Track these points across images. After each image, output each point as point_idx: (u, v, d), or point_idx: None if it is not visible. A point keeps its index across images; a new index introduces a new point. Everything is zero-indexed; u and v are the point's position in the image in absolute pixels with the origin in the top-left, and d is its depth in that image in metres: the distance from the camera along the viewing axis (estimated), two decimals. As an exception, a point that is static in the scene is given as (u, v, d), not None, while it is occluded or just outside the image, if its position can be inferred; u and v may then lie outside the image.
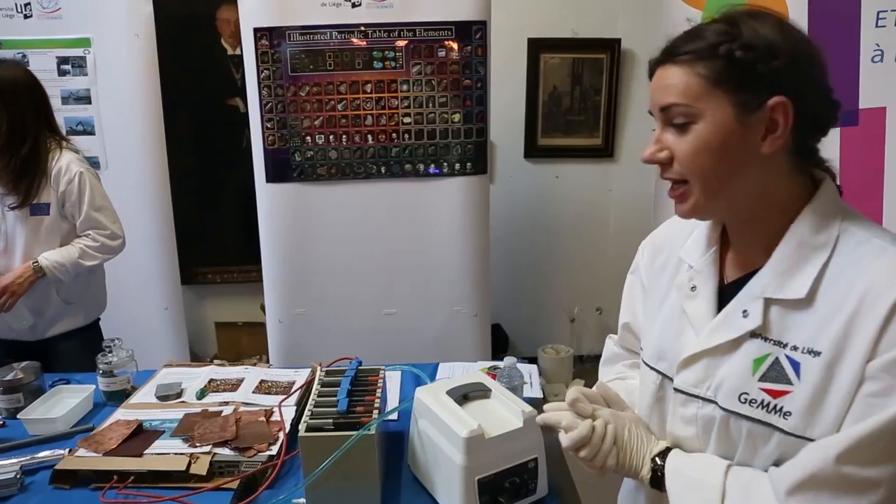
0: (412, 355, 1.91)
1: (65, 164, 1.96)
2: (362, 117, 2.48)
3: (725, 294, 0.87)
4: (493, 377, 1.35)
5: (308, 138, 2.48)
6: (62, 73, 2.68)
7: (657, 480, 0.89)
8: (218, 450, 1.32)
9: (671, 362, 0.91)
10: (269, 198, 2.52)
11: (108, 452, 1.33)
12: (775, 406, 0.77)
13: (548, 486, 1.20)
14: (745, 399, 0.80)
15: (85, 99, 2.70)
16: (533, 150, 3.41)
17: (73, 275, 2.00)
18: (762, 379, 0.78)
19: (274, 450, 1.33)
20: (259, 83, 2.44)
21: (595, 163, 3.42)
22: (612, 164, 3.42)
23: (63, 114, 2.68)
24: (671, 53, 0.80)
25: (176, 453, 1.32)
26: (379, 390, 1.31)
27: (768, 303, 0.80)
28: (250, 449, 1.33)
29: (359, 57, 2.44)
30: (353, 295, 2.59)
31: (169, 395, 1.59)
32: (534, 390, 1.64)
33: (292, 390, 1.59)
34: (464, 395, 1.24)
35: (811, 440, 0.75)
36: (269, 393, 1.60)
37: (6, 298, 1.85)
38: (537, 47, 3.27)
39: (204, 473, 1.26)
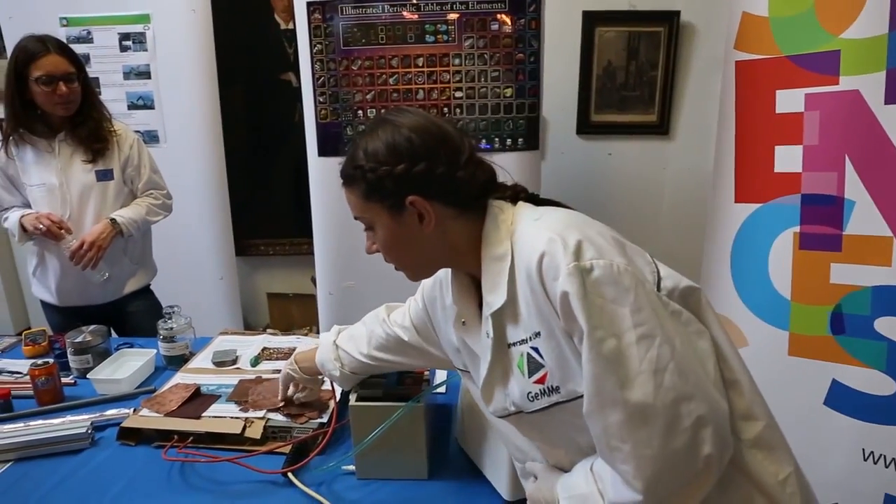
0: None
1: (121, 128, 2.06)
2: (413, 91, 2.47)
3: None
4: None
5: (360, 112, 2.49)
6: (123, 48, 2.75)
7: None
8: (271, 415, 1.36)
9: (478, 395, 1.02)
10: (321, 171, 2.55)
11: (169, 413, 1.39)
12: (547, 388, 0.88)
13: (596, 464, 1.19)
14: (532, 398, 0.90)
15: (145, 74, 2.77)
16: (586, 127, 3.33)
17: (142, 232, 2.11)
18: (530, 375, 0.89)
19: (325, 417, 1.36)
20: (311, 57, 2.45)
21: (649, 140, 3.32)
22: (667, 141, 3.32)
23: (125, 88, 2.77)
24: (341, 176, 0.98)
25: (232, 417, 1.37)
26: (428, 363, 1.32)
27: (496, 317, 0.92)
28: (302, 416, 1.36)
29: (411, 30, 2.42)
30: (403, 269, 2.61)
31: (225, 362, 1.65)
32: (582, 368, 1.62)
33: (343, 360, 1.62)
34: (513, 371, 1.24)
35: (581, 396, 0.83)
36: (320, 362, 1.63)
37: (94, 253, 1.93)
38: (592, 20, 3.17)
39: (258, 437, 1.31)
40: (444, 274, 1.09)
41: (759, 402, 0.89)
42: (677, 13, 3.13)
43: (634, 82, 3.27)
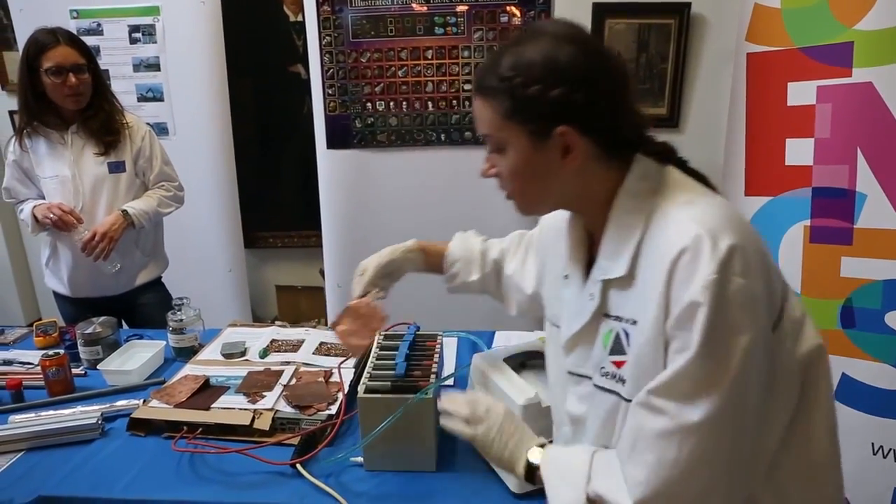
0: (469, 323, 1.92)
1: (133, 120, 2.06)
2: (423, 84, 2.46)
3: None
4: (551, 347, 1.35)
5: (368, 105, 2.49)
6: (133, 41, 2.75)
7: (531, 474, 0.93)
8: (280, 407, 1.37)
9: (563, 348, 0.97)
10: (330, 164, 2.55)
11: (179, 405, 1.40)
12: (618, 375, 0.84)
13: (603, 457, 1.19)
14: (603, 373, 0.86)
15: (154, 66, 2.77)
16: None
17: (154, 223, 2.12)
18: (611, 353, 0.85)
19: (333, 409, 1.37)
20: (321, 49, 2.46)
21: (659, 132, 3.25)
22: (677, 134, 3.29)
23: (134, 81, 2.78)
24: (476, 86, 0.87)
25: (240, 408, 1.37)
26: (436, 356, 1.32)
27: (606, 284, 0.86)
28: (310, 407, 1.37)
29: (420, 23, 2.41)
30: (411, 262, 2.61)
31: (233, 354, 1.65)
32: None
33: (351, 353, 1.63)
34: (521, 363, 1.24)
35: None
36: (328, 355, 1.64)
37: (105, 244, 1.94)
38: (602, 12, 3.14)
39: (267, 428, 1.31)
40: (563, 222, 1.01)
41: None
42: (688, 5, 3.10)
43: (644, 75, 3.24)
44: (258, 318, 3.43)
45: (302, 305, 3.53)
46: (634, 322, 0.81)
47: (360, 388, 1.21)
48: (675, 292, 0.74)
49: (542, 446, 0.94)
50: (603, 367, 0.86)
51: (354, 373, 1.50)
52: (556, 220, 1.06)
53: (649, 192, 0.84)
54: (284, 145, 3.39)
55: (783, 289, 0.81)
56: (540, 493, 1.12)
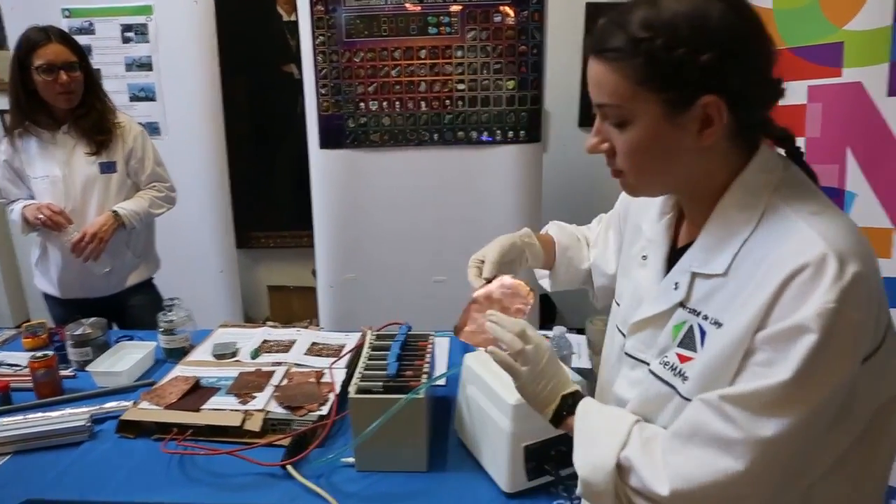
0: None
1: (125, 121, 2.05)
2: (416, 84, 2.46)
3: (675, 261, 0.86)
4: (542, 347, 1.34)
5: (362, 105, 2.48)
6: (125, 40, 2.74)
7: (559, 418, 0.88)
8: (271, 408, 1.36)
9: (626, 329, 0.92)
10: (322, 164, 2.54)
11: (169, 406, 1.39)
12: (680, 370, 0.79)
13: (595, 457, 1.19)
14: (663, 362, 0.81)
15: (147, 66, 2.76)
16: (588, 119, 3.29)
17: (144, 224, 2.10)
18: (679, 345, 0.80)
19: (324, 410, 1.36)
20: (314, 49, 2.45)
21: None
22: (669, 134, 3.31)
23: (126, 80, 2.77)
24: (598, 48, 0.75)
25: (231, 409, 1.37)
26: (428, 356, 1.32)
27: (694, 276, 0.80)
28: (301, 408, 1.36)
29: (413, 22, 2.41)
30: (404, 262, 2.61)
31: (225, 354, 1.65)
32: (582, 361, 1.62)
33: (343, 353, 1.62)
34: (512, 364, 1.23)
35: None
36: (320, 355, 1.64)
37: (95, 244, 1.93)
38: (595, 12, 3.16)
39: (257, 430, 1.31)
40: (650, 200, 0.94)
41: None
42: (681, 5, 3.11)
43: (637, 75, 3.25)
44: (250, 319, 3.42)
45: (294, 306, 3.53)
46: (718, 324, 0.75)
47: (352, 389, 1.20)
48: (781, 307, 0.68)
49: (574, 394, 0.89)
50: (666, 357, 0.81)
51: (346, 373, 1.50)
52: (636, 203, 1.00)
53: (767, 187, 0.76)
54: (277, 145, 3.39)
55: (888, 322, 0.74)
56: (530, 493, 1.13)
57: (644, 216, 0.95)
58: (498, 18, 2.39)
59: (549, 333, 1.50)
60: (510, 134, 2.50)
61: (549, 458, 1.12)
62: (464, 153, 2.52)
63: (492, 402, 1.14)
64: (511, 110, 2.47)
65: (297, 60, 2.63)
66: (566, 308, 3.52)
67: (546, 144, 2.88)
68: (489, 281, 1.03)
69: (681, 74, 0.70)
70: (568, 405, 0.87)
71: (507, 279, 1.02)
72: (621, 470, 0.77)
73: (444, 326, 1.76)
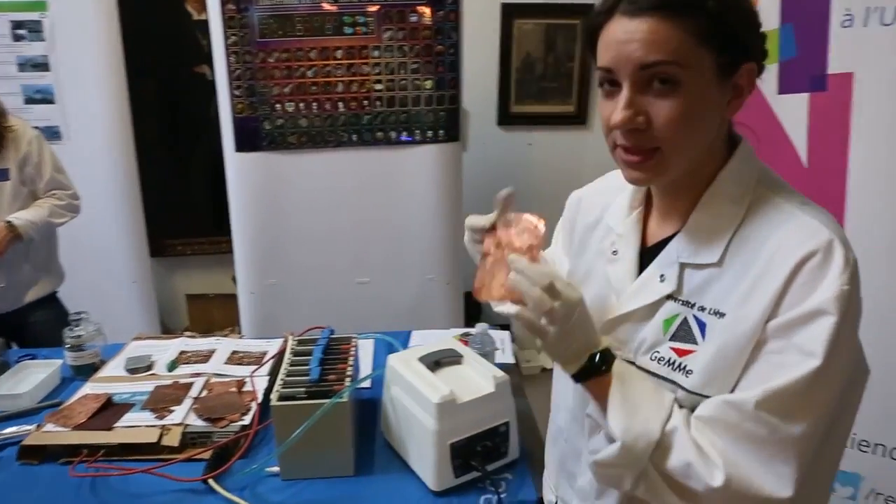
0: (385, 324, 1.91)
1: (18, 124, 1.93)
2: (333, 84, 2.43)
3: (646, 257, 0.86)
4: (466, 344, 1.36)
5: (278, 106, 2.43)
6: (17, 38, 2.57)
7: (586, 373, 0.80)
8: (190, 421, 1.31)
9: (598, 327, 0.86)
10: (239, 167, 2.47)
11: (77, 426, 1.31)
12: (679, 364, 0.77)
13: (518, 450, 1.22)
14: (656, 357, 0.80)
15: (43, 66, 2.60)
16: (506, 117, 3.38)
17: (43, 234, 1.98)
18: (672, 339, 0.79)
19: (246, 420, 1.32)
20: (226, 49, 2.37)
21: (568, 130, 3.41)
22: (585, 131, 3.42)
23: (20, 81, 2.59)
24: (658, 4, 0.70)
25: (147, 425, 1.31)
26: (351, 358, 1.31)
27: (683, 267, 0.79)
28: (222, 419, 1.32)
29: (329, 22, 2.38)
30: (326, 264, 2.58)
31: (139, 368, 1.57)
32: (506, 356, 1.65)
33: (264, 360, 1.58)
34: (436, 362, 1.24)
35: (707, 397, 0.75)
36: (240, 364, 1.59)
37: None
38: (510, 13, 3.22)
39: (176, 445, 1.26)
40: (602, 194, 0.94)
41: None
42: (592, 6, 3.21)
43: (552, 73, 3.34)
44: (168, 330, 3.29)
45: (214, 314, 3.41)
46: (720, 314, 0.74)
47: (273, 396, 1.17)
48: (793, 294, 0.69)
49: (603, 352, 0.81)
50: (658, 352, 0.79)
51: (268, 381, 1.46)
52: (594, 193, 1.00)
53: (751, 178, 0.78)
54: (191, 149, 3.27)
55: None
56: (458, 490, 1.14)
57: (604, 214, 0.94)
58: (414, 18, 2.39)
59: (473, 331, 1.51)
60: (429, 133, 2.51)
61: (476, 454, 1.13)
62: (383, 153, 2.51)
63: (416, 402, 1.14)
64: (429, 110, 2.48)
65: (209, 61, 2.55)
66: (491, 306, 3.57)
67: (465, 143, 2.91)
68: (494, 229, 0.94)
69: (737, 37, 0.71)
70: (595, 364, 0.80)
71: (510, 216, 0.93)
72: (659, 446, 0.74)
73: (369, 328, 1.76)
